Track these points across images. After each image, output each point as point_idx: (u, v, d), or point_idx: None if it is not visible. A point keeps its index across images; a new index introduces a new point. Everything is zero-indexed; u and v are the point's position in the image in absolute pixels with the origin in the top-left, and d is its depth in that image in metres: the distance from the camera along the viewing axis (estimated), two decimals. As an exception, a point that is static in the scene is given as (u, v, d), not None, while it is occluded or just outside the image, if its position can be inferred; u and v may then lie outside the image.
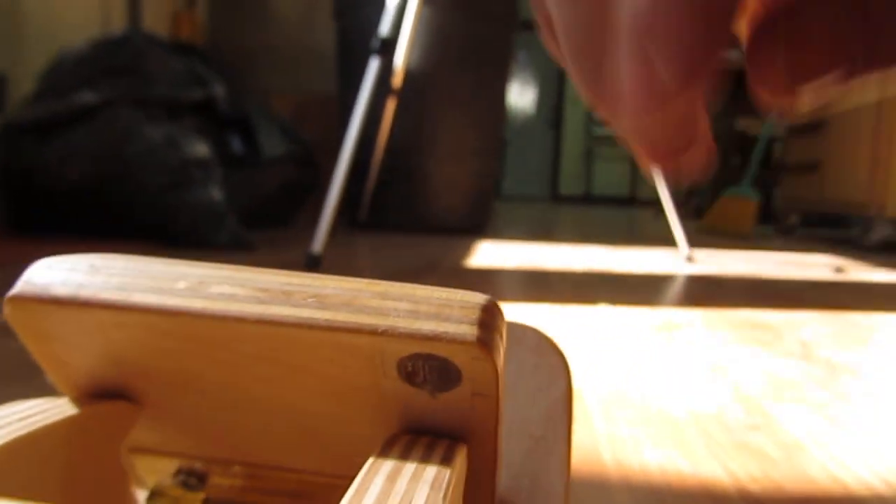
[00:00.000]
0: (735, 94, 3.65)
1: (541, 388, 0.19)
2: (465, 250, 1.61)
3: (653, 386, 0.58)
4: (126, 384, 0.14)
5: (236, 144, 1.68)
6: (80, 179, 1.33)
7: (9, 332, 0.13)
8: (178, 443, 0.15)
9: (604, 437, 0.46)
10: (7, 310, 0.13)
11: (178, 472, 0.16)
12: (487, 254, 1.55)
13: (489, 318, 0.12)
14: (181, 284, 0.12)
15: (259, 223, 1.81)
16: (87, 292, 0.12)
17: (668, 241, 2.17)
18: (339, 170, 1.26)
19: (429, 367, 0.12)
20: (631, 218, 3.96)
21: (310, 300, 0.12)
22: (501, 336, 0.12)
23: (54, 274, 0.13)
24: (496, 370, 0.12)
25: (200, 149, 1.39)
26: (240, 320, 0.11)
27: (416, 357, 0.11)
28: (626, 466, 0.41)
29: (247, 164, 1.68)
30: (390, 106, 1.89)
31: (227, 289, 0.12)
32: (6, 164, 1.36)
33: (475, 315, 0.12)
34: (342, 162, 1.27)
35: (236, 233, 1.37)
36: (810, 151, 2.61)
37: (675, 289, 1.19)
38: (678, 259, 1.62)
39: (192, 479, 0.15)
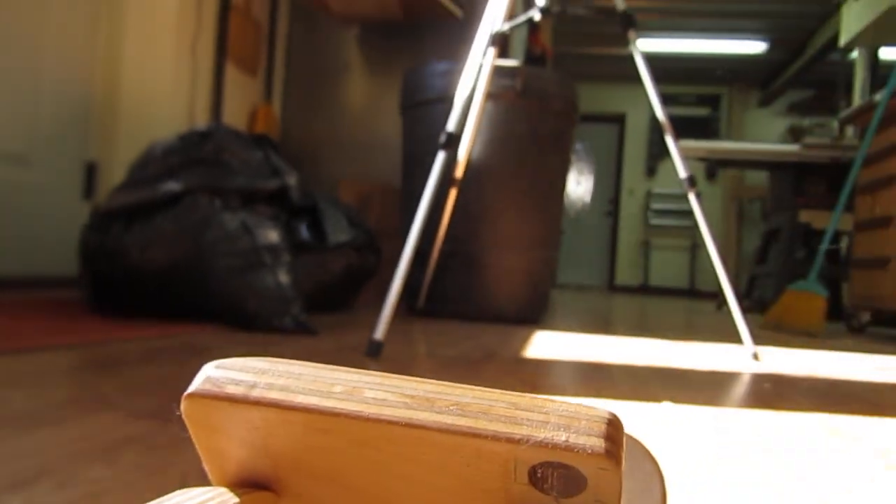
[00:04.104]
0: (797, 186, 3.62)
1: (636, 493, 0.20)
2: (522, 340, 1.60)
3: (726, 495, 0.56)
4: (274, 476, 0.15)
5: (304, 231, 1.75)
6: (159, 263, 1.40)
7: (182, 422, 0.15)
8: None
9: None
10: (185, 405, 0.15)
11: None
12: (544, 344, 1.54)
13: (614, 431, 0.13)
14: (338, 388, 0.14)
15: (321, 306, 1.86)
16: (256, 392, 0.14)
17: (731, 335, 2.11)
18: (402, 259, 1.30)
19: (557, 475, 0.13)
20: (690, 310, 3.87)
21: (452, 407, 0.13)
22: (623, 449, 0.13)
23: (227, 374, 0.15)
24: (620, 480, 0.13)
25: (272, 235, 1.46)
26: (391, 423, 0.13)
27: (547, 465, 0.13)
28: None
29: (313, 250, 1.74)
30: (451, 196, 1.95)
31: (378, 394, 0.14)
32: (92, 248, 1.46)
33: (602, 428, 0.13)
34: (406, 251, 1.30)
35: (300, 319, 1.41)
36: (879, 247, 2.54)
37: (742, 389, 1.15)
38: (743, 356, 1.57)
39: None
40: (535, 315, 2.17)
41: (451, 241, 2.04)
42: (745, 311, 1.54)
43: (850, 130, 3.87)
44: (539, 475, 0.13)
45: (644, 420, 0.81)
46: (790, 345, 1.98)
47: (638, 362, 1.35)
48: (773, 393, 1.10)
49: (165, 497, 0.14)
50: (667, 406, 0.92)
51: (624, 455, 0.13)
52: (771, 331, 2.49)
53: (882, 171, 2.56)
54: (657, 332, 2.10)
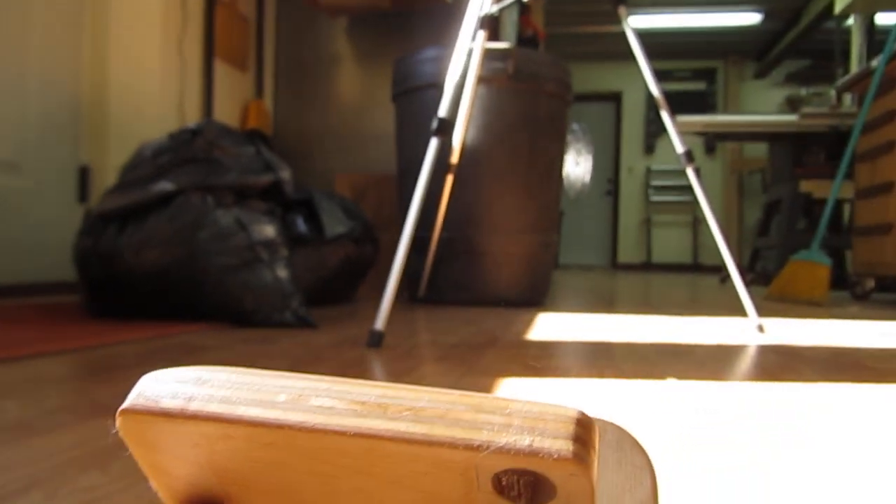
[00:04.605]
0: (796, 157, 3.59)
1: (625, 488, 0.19)
2: (525, 323, 1.59)
3: (740, 478, 0.55)
4: (225, 494, 0.14)
5: (300, 225, 1.74)
6: (155, 264, 1.39)
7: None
8: None
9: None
10: (119, 422, 0.13)
11: None
12: (547, 326, 1.53)
13: (583, 432, 0.12)
14: (282, 397, 0.13)
15: (321, 300, 1.85)
16: (194, 405, 0.13)
17: (735, 308, 2.09)
18: (400, 248, 1.29)
19: (523, 482, 0.12)
20: (694, 285, 3.86)
21: (405, 413, 0.12)
22: (596, 450, 0.12)
23: (163, 387, 0.13)
24: (592, 486, 0.11)
25: (267, 230, 1.44)
26: (339, 434, 0.12)
27: (511, 472, 0.11)
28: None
29: (310, 244, 1.73)
30: (448, 182, 1.93)
31: (325, 401, 0.12)
32: (87, 251, 1.45)
33: (569, 429, 0.12)
34: (403, 240, 1.29)
35: (300, 313, 1.40)
36: (881, 213, 2.52)
37: (748, 362, 1.14)
38: (748, 329, 1.56)
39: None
40: (536, 298, 2.16)
41: (450, 228, 2.03)
42: (748, 283, 1.53)
43: (848, 98, 3.84)
44: (504, 483, 0.12)
45: (647, 398, 0.80)
46: (795, 315, 1.96)
47: (642, 340, 1.34)
48: (779, 365, 1.09)
49: None
50: (672, 383, 0.91)
51: (596, 457, 0.12)
52: (775, 302, 2.48)
53: (881, 137, 2.53)
54: (661, 309, 2.09)
